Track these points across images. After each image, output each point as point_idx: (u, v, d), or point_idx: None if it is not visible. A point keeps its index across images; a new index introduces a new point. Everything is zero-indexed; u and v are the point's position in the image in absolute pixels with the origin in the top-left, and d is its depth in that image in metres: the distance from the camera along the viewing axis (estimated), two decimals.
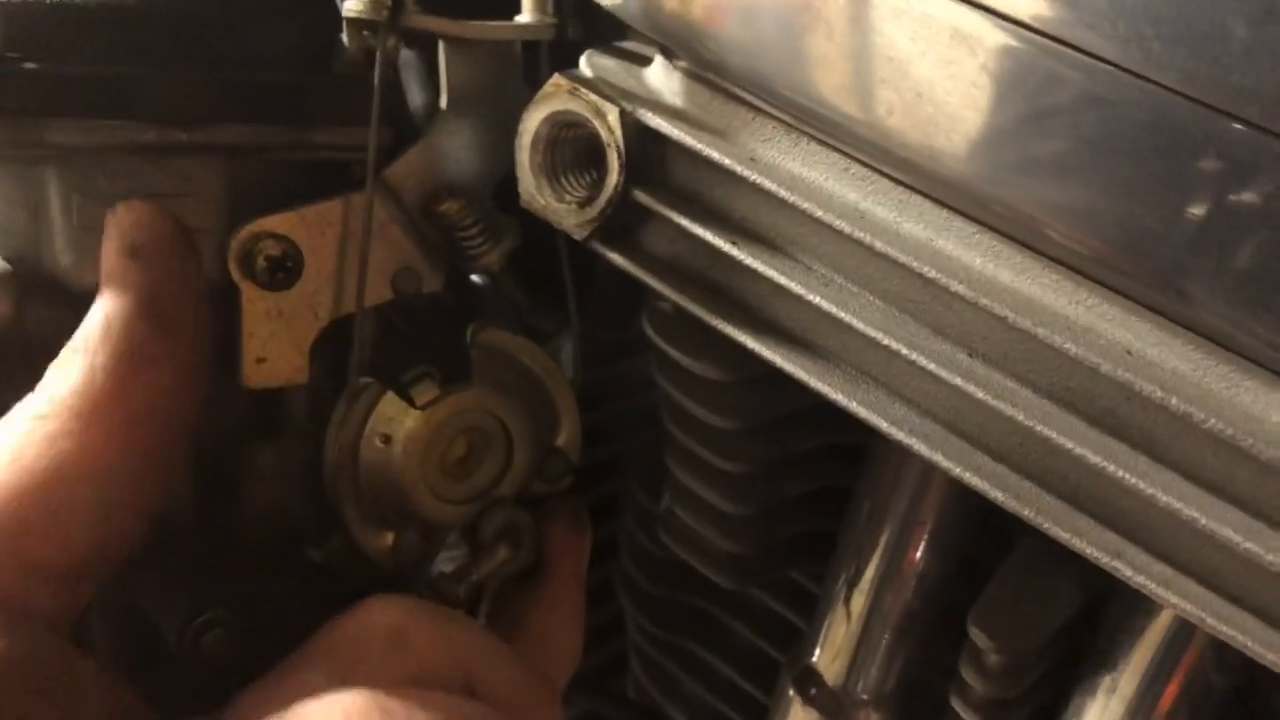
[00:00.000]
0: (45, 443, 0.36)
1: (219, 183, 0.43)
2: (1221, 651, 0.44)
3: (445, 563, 0.50)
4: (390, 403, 0.47)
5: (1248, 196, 0.31)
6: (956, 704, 0.49)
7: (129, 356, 0.38)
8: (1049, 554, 0.48)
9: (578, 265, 0.59)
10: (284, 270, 0.44)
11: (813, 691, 0.55)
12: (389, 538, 0.47)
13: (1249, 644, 0.34)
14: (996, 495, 0.37)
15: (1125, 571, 0.35)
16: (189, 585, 0.42)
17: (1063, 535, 0.36)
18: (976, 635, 0.45)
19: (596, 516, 0.71)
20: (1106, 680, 0.47)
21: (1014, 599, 0.46)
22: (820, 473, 0.54)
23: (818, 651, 0.55)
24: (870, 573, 0.52)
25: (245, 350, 0.44)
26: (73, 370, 0.37)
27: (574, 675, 0.75)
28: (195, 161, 0.42)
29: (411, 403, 0.46)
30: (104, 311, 0.38)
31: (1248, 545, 0.33)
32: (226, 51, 0.43)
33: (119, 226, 0.40)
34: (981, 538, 0.51)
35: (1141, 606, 0.45)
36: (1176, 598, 0.35)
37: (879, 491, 0.50)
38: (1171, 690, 0.46)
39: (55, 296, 0.42)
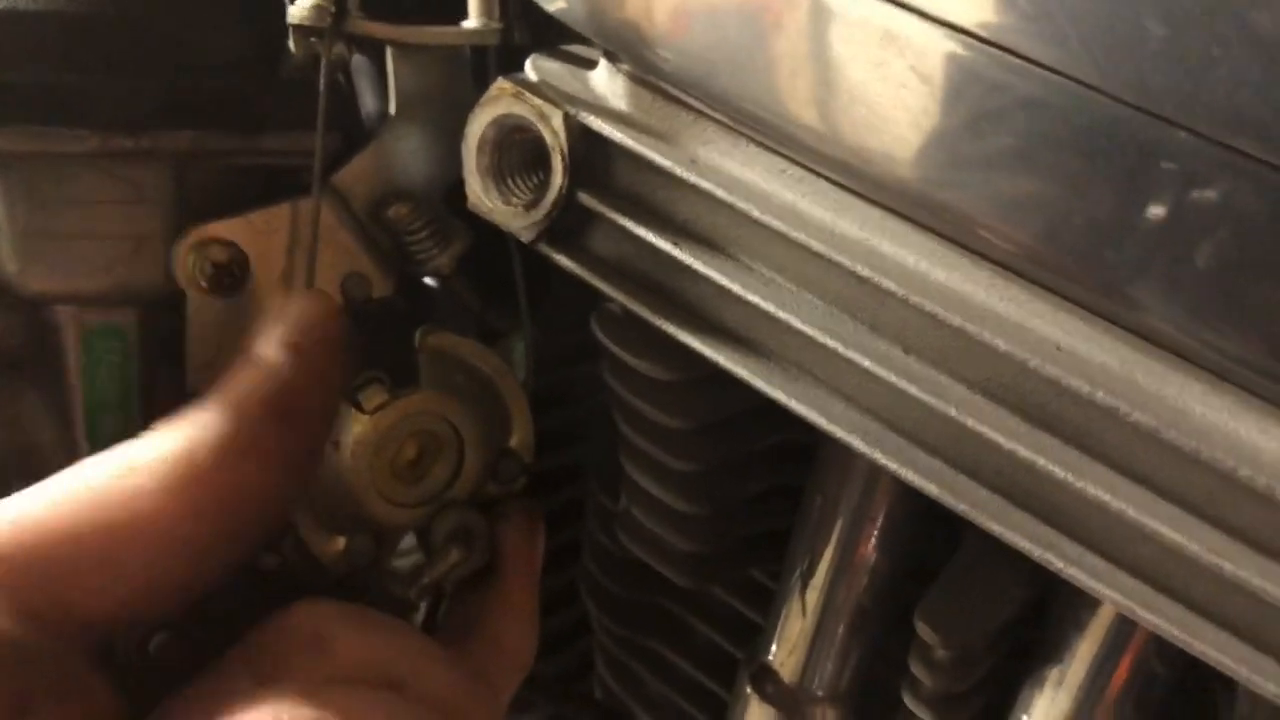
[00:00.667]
0: (125, 495, 0.35)
1: (167, 189, 0.44)
2: (1163, 643, 0.45)
3: (402, 566, 0.50)
4: (340, 408, 0.47)
5: (1172, 197, 0.32)
6: (908, 699, 0.50)
7: (241, 447, 0.37)
8: (995, 550, 0.49)
9: (534, 268, 0.60)
10: (231, 276, 0.45)
11: (769, 689, 0.56)
12: (341, 542, 0.47)
13: (1176, 633, 0.35)
14: (931, 489, 0.38)
15: (1057, 564, 0.36)
16: None
17: (996, 528, 0.37)
18: (923, 630, 0.46)
19: (560, 520, 0.72)
20: (1054, 673, 0.47)
21: (960, 594, 0.47)
22: (773, 472, 0.54)
23: (774, 649, 0.56)
24: (823, 570, 0.52)
25: (190, 356, 0.45)
26: (181, 436, 0.36)
27: (538, 679, 0.76)
28: (143, 168, 0.43)
29: (359, 407, 0.47)
30: (234, 393, 0.37)
31: (1174, 536, 0.34)
32: (174, 59, 0.44)
33: (294, 315, 0.39)
34: (931, 535, 0.51)
35: (1085, 600, 0.46)
36: (1107, 589, 0.35)
37: (829, 489, 0.51)
38: (1117, 681, 0.46)
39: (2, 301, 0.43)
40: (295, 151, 0.45)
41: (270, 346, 0.38)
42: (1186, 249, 0.32)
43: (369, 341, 0.49)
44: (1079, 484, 0.35)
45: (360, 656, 0.39)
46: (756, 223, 0.40)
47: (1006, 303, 0.36)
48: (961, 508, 0.37)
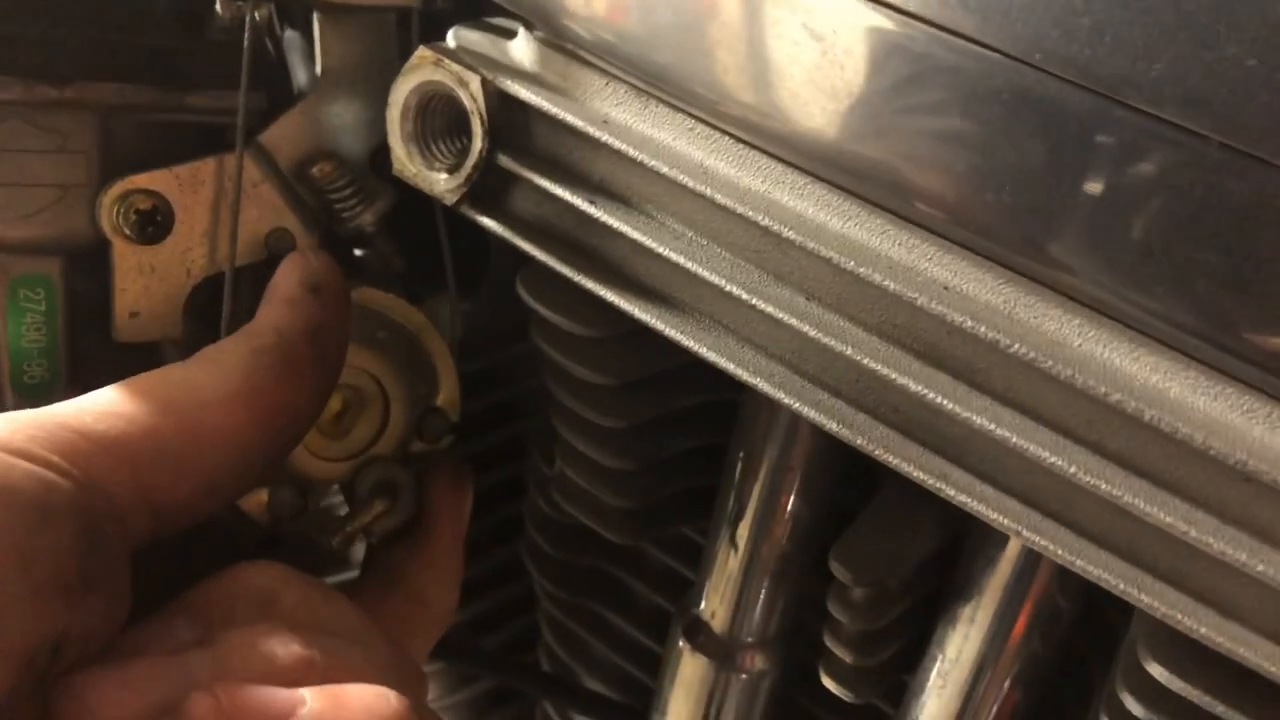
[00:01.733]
0: (197, 402, 0.39)
1: (92, 140, 0.45)
2: (1065, 577, 0.47)
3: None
4: None
5: (1047, 144, 0.34)
6: (829, 640, 0.52)
7: (289, 367, 0.42)
8: (909, 495, 0.51)
9: (474, 246, 0.61)
10: (154, 224, 0.46)
11: (701, 639, 0.58)
12: (264, 494, 0.49)
13: (1061, 553, 0.37)
14: (833, 427, 0.40)
15: (949, 491, 0.38)
16: None
17: (894, 461, 0.39)
18: (837, 570, 0.48)
19: (504, 495, 0.73)
20: (965, 611, 0.50)
21: (874, 536, 0.49)
22: (700, 430, 0.56)
23: (704, 601, 0.58)
24: (747, 522, 0.54)
25: (117, 305, 0.46)
26: (240, 357, 0.41)
27: (484, 651, 0.78)
28: (68, 119, 0.44)
29: None
30: (278, 324, 0.43)
31: (1055, 461, 0.36)
32: (101, 12, 0.45)
33: (305, 264, 0.45)
34: (850, 483, 0.54)
35: (993, 540, 0.48)
36: (996, 514, 0.38)
37: (751, 444, 0.53)
38: (1024, 617, 0.49)
39: None
40: (220, 110, 0.47)
41: (299, 289, 0.44)
42: (1060, 194, 0.34)
43: None
44: (966, 415, 0.37)
45: (305, 618, 0.41)
46: (666, 179, 0.41)
47: (898, 247, 0.38)
48: (860, 443, 0.39)
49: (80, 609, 0.33)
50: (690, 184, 0.41)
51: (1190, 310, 0.33)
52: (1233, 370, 0.34)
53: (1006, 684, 0.50)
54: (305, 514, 0.49)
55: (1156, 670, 0.38)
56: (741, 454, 0.53)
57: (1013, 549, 0.48)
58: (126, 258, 0.47)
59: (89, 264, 0.48)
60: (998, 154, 0.35)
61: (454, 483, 0.53)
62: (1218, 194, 0.32)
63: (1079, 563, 0.37)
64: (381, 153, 0.50)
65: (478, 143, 0.45)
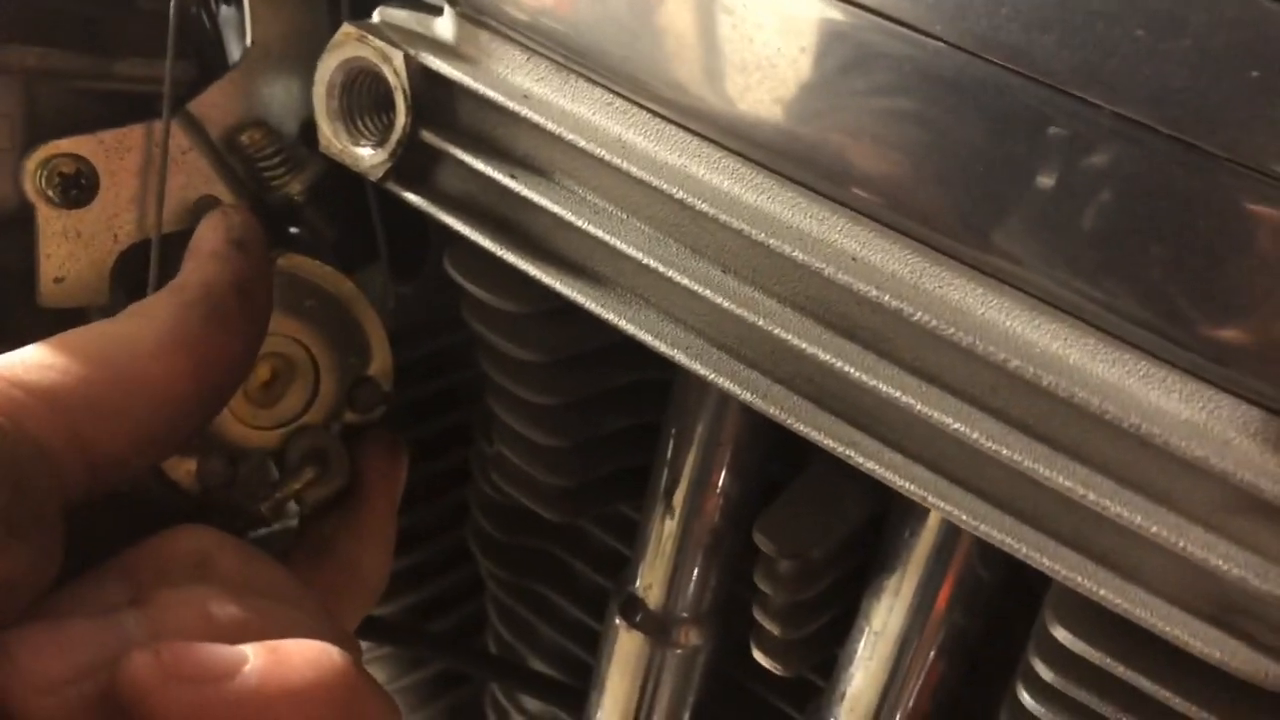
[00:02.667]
0: (131, 352, 0.39)
1: (16, 104, 0.45)
2: (984, 548, 0.48)
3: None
4: None
5: (961, 122, 0.35)
6: (757, 613, 0.52)
7: (218, 318, 0.42)
8: (835, 471, 0.52)
9: (415, 231, 0.62)
10: (79, 188, 0.46)
11: (638, 617, 0.58)
12: (193, 463, 0.49)
13: (967, 519, 0.37)
14: (747, 397, 0.40)
15: (858, 459, 0.39)
16: None
17: (805, 430, 0.39)
18: (761, 542, 0.48)
19: (450, 482, 0.73)
20: (890, 583, 0.50)
21: (798, 510, 0.50)
22: (634, 408, 0.56)
23: (639, 579, 0.58)
24: (679, 498, 0.55)
25: (42, 270, 0.46)
26: (171, 308, 0.41)
27: (432, 635, 0.78)
28: None
29: None
30: (205, 278, 0.43)
31: (958, 427, 0.37)
32: None
33: (228, 220, 0.46)
34: (778, 459, 0.54)
35: (915, 512, 0.49)
36: (904, 481, 0.38)
37: (683, 419, 0.53)
38: (946, 587, 0.49)
39: None
40: (148, 78, 0.47)
41: (222, 244, 0.44)
42: (965, 167, 0.35)
43: None
44: (874, 383, 0.38)
45: (240, 581, 0.41)
46: (585, 153, 0.42)
47: (809, 219, 0.39)
48: (774, 412, 0.40)
49: (5, 557, 0.33)
50: (608, 158, 0.41)
51: (1086, 277, 0.34)
52: (1130, 337, 0.34)
53: (932, 654, 0.51)
54: (234, 483, 0.49)
55: (1062, 634, 0.39)
56: (673, 431, 0.54)
57: (934, 521, 0.49)
58: (51, 222, 0.47)
59: (12, 230, 0.48)
60: (903, 130, 0.36)
61: (387, 452, 0.53)
62: (1114, 163, 0.33)
63: (983, 528, 0.37)
64: (312, 125, 0.50)
65: (401, 118, 0.45)
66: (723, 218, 0.39)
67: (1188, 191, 0.32)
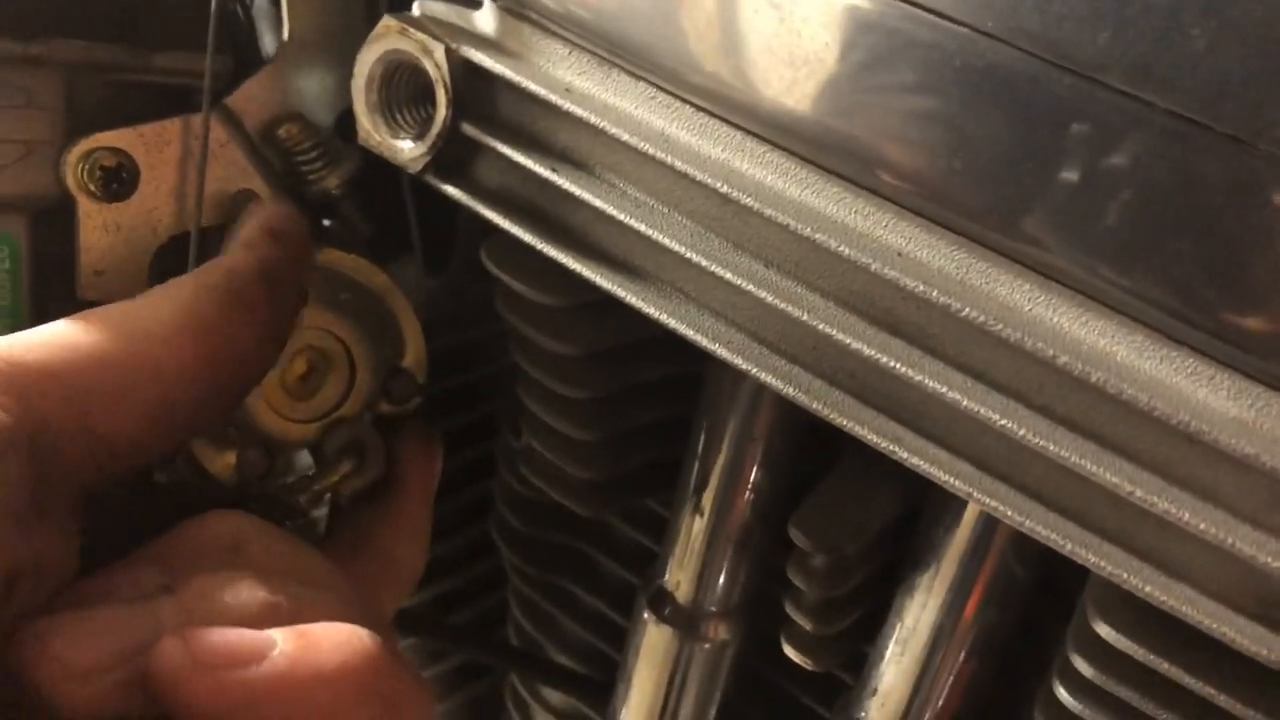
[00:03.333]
0: (142, 335, 0.39)
1: (58, 98, 0.45)
2: (1020, 544, 0.48)
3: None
4: None
5: (1005, 118, 0.35)
6: (789, 608, 0.52)
7: (239, 304, 0.41)
8: (869, 466, 0.52)
9: (444, 224, 0.62)
10: (119, 182, 0.47)
11: (665, 609, 0.58)
12: (231, 456, 0.49)
13: (1011, 514, 0.37)
14: (790, 392, 0.40)
15: (902, 454, 0.39)
16: None
17: (848, 425, 0.39)
18: (796, 537, 0.48)
19: (474, 474, 0.74)
20: (923, 580, 0.51)
21: (833, 505, 0.50)
22: (664, 402, 0.56)
23: (668, 572, 0.58)
24: (710, 492, 0.55)
25: (82, 263, 0.46)
26: (189, 292, 0.41)
27: (453, 626, 0.78)
28: (33, 75, 0.44)
29: None
30: (231, 263, 0.43)
31: (1004, 423, 0.37)
32: None
33: (267, 211, 0.46)
34: (812, 455, 0.54)
35: (950, 508, 0.49)
36: (949, 476, 0.38)
37: (715, 415, 0.53)
38: (980, 585, 0.49)
39: None
40: (187, 71, 0.47)
41: (256, 232, 0.44)
42: (1011, 162, 0.35)
43: None
44: (919, 379, 0.38)
45: (273, 566, 0.41)
46: (628, 147, 0.42)
47: (853, 214, 0.39)
48: (817, 407, 0.40)
49: (34, 539, 0.33)
50: (651, 151, 0.41)
51: (1136, 274, 0.34)
52: (1178, 334, 0.34)
53: (964, 652, 0.51)
54: (272, 475, 0.50)
55: (1104, 630, 0.39)
56: (705, 425, 0.54)
57: (969, 517, 0.49)
58: (92, 215, 0.47)
59: (53, 222, 0.48)
60: (953, 125, 0.36)
61: (422, 444, 0.53)
62: (1162, 160, 0.33)
63: (1029, 523, 0.37)
64: (348, 117, 0.50)
65: (442, 111, 0.45)
66: (767, 212, 0.39)
67: (1236, 187, 0.32)
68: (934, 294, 0.37)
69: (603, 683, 0.69)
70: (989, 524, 0.48)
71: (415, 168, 0.47)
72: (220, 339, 0.41)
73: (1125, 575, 0.36)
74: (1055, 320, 0.36)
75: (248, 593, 0.36)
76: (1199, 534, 0.34)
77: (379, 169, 0.51)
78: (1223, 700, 0.37)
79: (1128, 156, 0.33)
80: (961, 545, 0.49)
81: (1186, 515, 0.34)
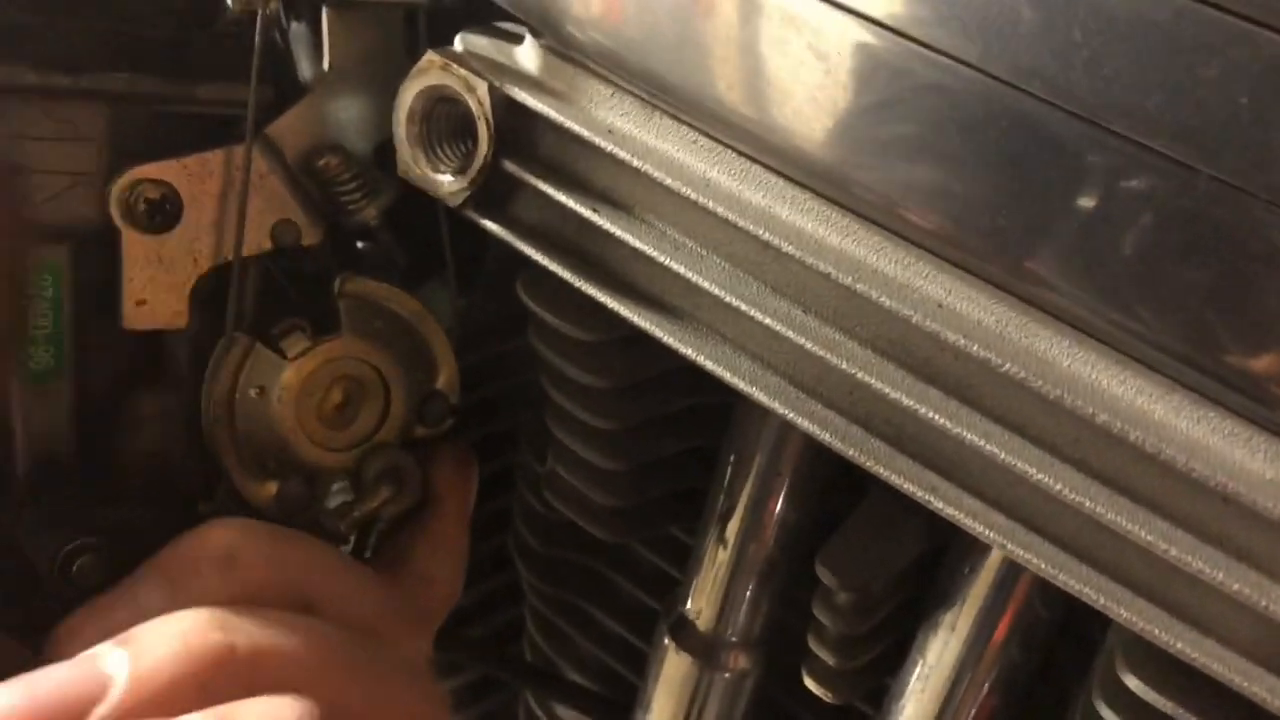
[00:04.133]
0: None
1: (102, 129, 0.46)
2: (1044, 587, 0.48)
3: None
4: (263, 355, 0.49)
5: (1044, 171, 0.35)
6: (812, 642, 0.53)
7: None
8: (894, 504, 0.52)
9: (468, 244, 0.62)
10: (162, 214, 0.47)
11: (686, 637, 0.59)
12: (273, 487, 0.50)
13: (1045, 566, 0.38)
14: (826, 438, 0.41)
15: (937, 504, 0.39)
16: (63, 515, 0.45)
17: (884, 473, 0.40)
18: (823, 574, 0.49)
19: (492, 489, 0.74)
20: (947, 618, 0.51)
21: (859, 543, 0.50)
22: (690, 433, 0.57)
23: (690, 601, 0.59)
24: (735, 524, 0.55)
25: (125, 293, 0.47)
26: None
27: (468, 641, 0.79)
28: (78, 107, 0.45)
29: (282, 355, 0.49)
30: None
31: (1040, 477, 0.37)
32: (115, 4, 0.46)
33: None
34: (836, 492, 0.55)
35: (976, 549, 0.49)
36: (982, 527, 0.39)
37: (741, 448, 0.54)
38: (1004, 625, 0.50)
39: None
40: (228, 101, 0.48)
41: None
42: (1054, 220, 0.35)
43: (292, 289, 0.51)
44: (957, 430, 0.38)
45: (270, 574, 0.42)
46: (668, 190, 0.42)
47: (893, 264, 0.39)
48: (852, 454, 0.40)
49: None
50: (692, 195, 0.42)
51: (1175, 334, 0.35)
52: (1215, 395, 0.35)
53: (985, 689, 0.52)
54: (314, 504, 0.50)
55: (1132, 682, 0.39)
56: (732, 457, 0.54)
57: (995, 558, 0.49)
58: (135, 246, 0.48)
59: (96, 252, 0.48)
60: (992, 178, 0.36)
61: (458, 464, 0.54)
62: (1204, 224, 0.33)
63: (1061, 576, 0.38)
64: (385, 148, 0.50)
65: (483, 147, 0.46)
66: (808, 259, 0.39)
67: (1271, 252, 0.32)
68: (974, 348, 0.37)
69: (618, 704, 0.69)
70: (1015, 565, 0.48)
71: (455, 202, 0.47)
72: None
73: (1156, 631, 0.36)
74: (1093, 377, 0.37)
75: (198, 637, 0.37)
76: (1233, 594, 0.35)
77: (414, 198, 0.52)
78: None
79: (1166, 218, 0.34)
80: (986, 585, 0.49)
81: (1220, 575, 0.35)
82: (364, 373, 0.52)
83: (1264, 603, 0.34)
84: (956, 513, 0.39)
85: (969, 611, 0.50)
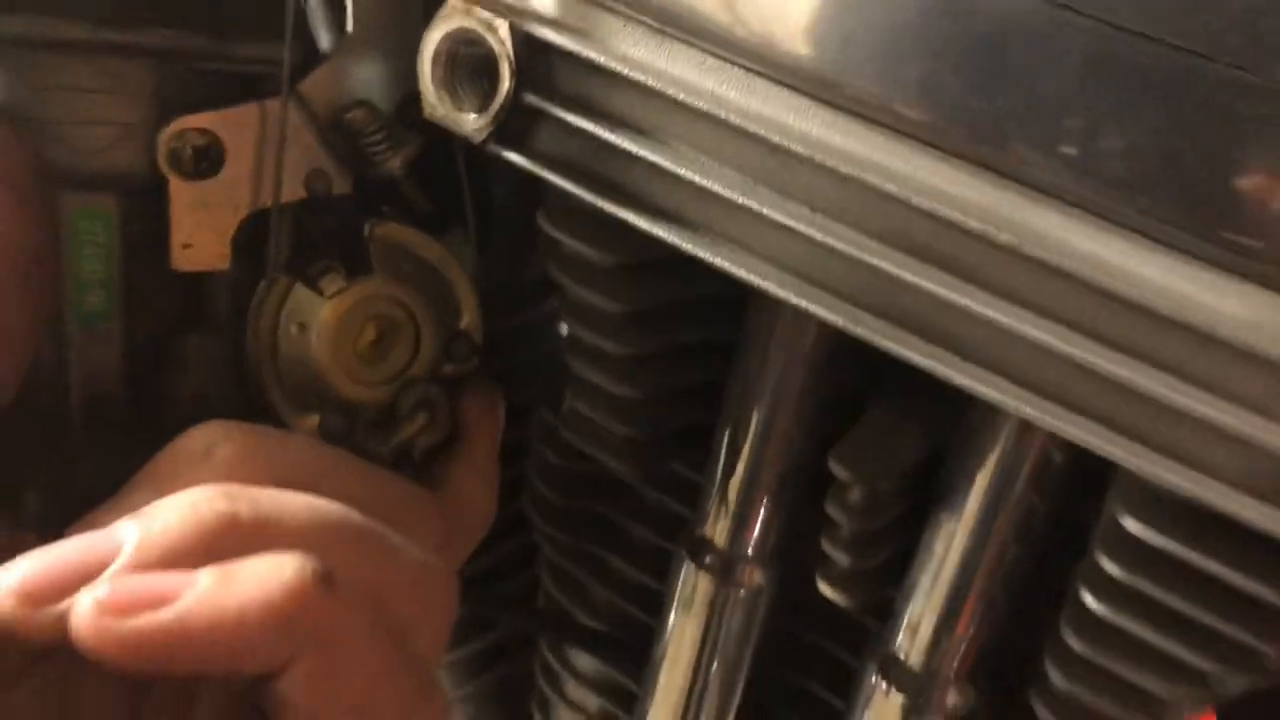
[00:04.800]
0: None
1: (151, 83, 0.49)
2: (1042, 480, 0.52)
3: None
4: (302, 294, 0.53)
5: (1030, 61, 0.39)
6: (826, 544, 0.56)
7: None
8: (897, 415, 0.56)
9: (483, 210, 0.66)
10: (207, 160, 0.50)
11: (705, 558, 0.62)
12: (314, 419, 0.53)
13: (1048, 420, 0.42)
14: (838, 320, 0.44)
15: (941, 370, 0.43)
16: (118, 454, 0.47)
17: (892, 348, 0.44)
18: (837, 469, 0.52)
19: (507, 459, 0.77)
20: (950, 515, 0.54)
21: (870, 442, 0.54)
22: (705, 367, 0.60)
23: (706, 523, 0.62)
24: (747, 446, 0.59)
25: (173, 237, 0.50)
26: None
27: (500, 597, 0.81)
28: (125, 61, 0.48)
29: (320, 292, 0.52)
30: None
31: (1036, 334, 0.41)
32: None
33: None
34: (843, 412, 0.58)
35: (974, 448, 0.53)
36: (985, 388, 0.42)
37: (750, 372, 0.57)
38: (1004, 516, 0.53)
39: None
40: (262, 59, 0.51)
41: None
42: (1030, 102, 0.39)
43: (325, 234, 0.54)
44: (959, 301, 0.42)
45: (247, 467, 0.43)
46: (681, 106, 0.46)
47: (893, 157, 0.43)
48: (861, 332, 0.44)
49: None
50: (703, 107, 0.45)
51: (1155, 197, 0.39)
52: (1193, 249, 0.39)
53: (990, 582, 0.55)
54: (352, 435, 0.54)
55: (1133, 525, 0.43)
56: (740, 383, 0.58)
57: (992, 460, 0.53)
58: (181, 192, 0.51)
59: (143, 200, 0.51)
60: (986, 75, 0.40)
61: (485, 397, 0.57)
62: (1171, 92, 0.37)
63: (1068, 428, 0.41)
64: (407, 103, 0.54)
65: (505, 84, 0.49)
66: (817, 158, 0.43)
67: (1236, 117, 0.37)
68: (972, 222, 0.41)
69: (636, 645, 0.72)
70: (1014, 460, 0.52)
71: (479, 138, 0.51)
72: None
73: (1151, 468, 0.40)
74: (1081, 242, 0.40)
75: (206, 507, 0.37)
76: (1216, 425, 0.39)
77: (435, 151, 0.56)
78: (1251, 585, 0.41)
79: (1139, 95, 0.38)
80: (986, 481, 0.53)
81: (1203, 409, 0.39)
82: (395, 312, 0.56)
83: (1245, 430, 0.38)
84: (957, 375, 0.43)
85: (971, 507, 0.54)
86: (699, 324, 0.58)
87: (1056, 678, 0.53)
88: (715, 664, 0.65)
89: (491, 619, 0.87)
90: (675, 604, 0.63)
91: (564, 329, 0.60)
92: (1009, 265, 0.42)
